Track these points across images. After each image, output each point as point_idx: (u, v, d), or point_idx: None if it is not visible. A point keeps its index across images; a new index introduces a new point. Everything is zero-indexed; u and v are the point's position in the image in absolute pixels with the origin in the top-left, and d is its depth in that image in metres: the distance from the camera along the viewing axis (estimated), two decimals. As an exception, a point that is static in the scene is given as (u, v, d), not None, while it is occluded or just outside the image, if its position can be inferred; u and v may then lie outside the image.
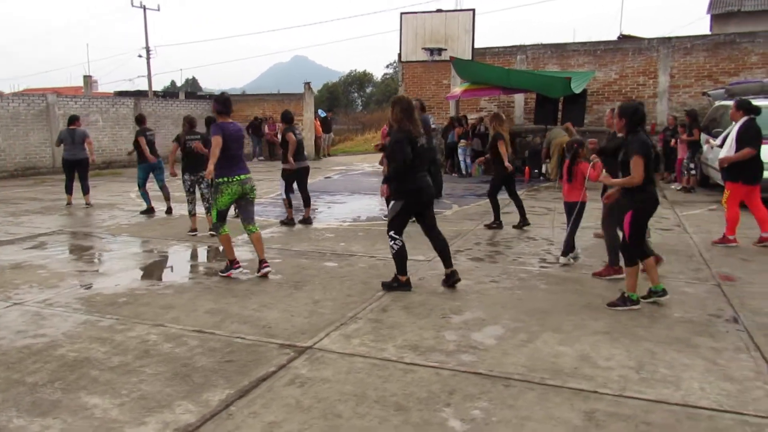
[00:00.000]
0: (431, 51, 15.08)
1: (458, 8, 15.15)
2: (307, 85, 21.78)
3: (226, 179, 5.76)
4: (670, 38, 15.93)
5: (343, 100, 68.98)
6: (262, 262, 5.91)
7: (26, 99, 16.70)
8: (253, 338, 4.25)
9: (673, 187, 12.74)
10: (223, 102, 6.01)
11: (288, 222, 8.82)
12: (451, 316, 4.71)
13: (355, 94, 72.05)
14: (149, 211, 9.86)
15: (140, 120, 10.40)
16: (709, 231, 7.98)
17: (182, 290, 5.52)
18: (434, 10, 15.27)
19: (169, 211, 9.76)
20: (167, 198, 9.89)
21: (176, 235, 8.10)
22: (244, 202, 6.01)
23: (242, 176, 5.84)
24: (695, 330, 4.37)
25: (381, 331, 4.37)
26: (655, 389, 3.42)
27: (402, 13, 15.46)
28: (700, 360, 3.83)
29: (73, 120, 10.97)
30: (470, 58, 14.90)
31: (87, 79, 27.36)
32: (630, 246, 4.84)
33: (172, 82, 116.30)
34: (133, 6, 33.90)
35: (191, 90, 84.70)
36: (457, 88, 16.18)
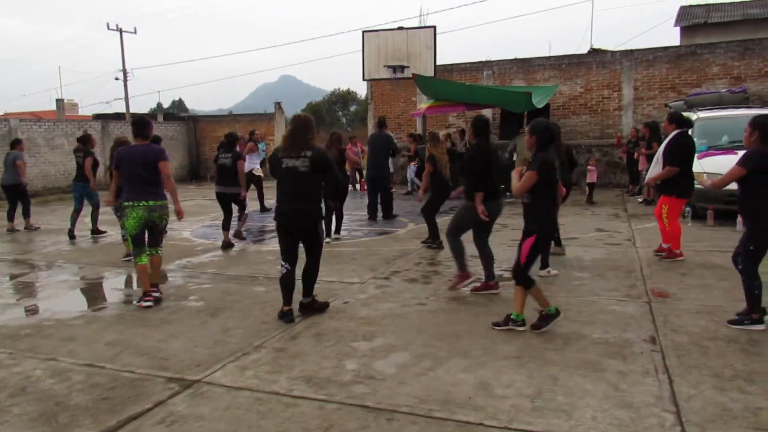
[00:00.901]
0: (394, 69, 15.01)
1: (419, 26, 15.10)
2: (278, 104, 21.69)
3: (131, 203, 5.56)
4: (632, 51, 15.98)
5: (327, 118, 69.01)
6: (145, 294, 5.69)
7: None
8: (142, 372, 4.03)
9: (638, 200, 12.66)
10: (136, 124, 5.81)
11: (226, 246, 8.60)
12: (359, 343, 4.51)
13: (339, 113, 72.11)
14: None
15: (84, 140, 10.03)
16: (657, 245, 7.84)
17: (93, 320, 5.30)
18: (396, 27, 15.22)
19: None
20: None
21: (111, 261, 7.87)
22: (154, 229, 5.78)
23: (149, 202, 5.58)
24: (608, 352, 4.20)
25: (280, 361, 4.16)
26: (545, 419, 3.23)
27: (364, 32, 15.40)
28: (603, 385, 3.65)
29: (14, 144, 10.74)
30: (433, 74, 14.83)
31: (59, 102, 27.00)
32: (525, 270, 4.63)
33: (159, 105, 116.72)
34: (109, 29, 33.84)
35: (176, 112, 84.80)
36: (423, 104, 16.11)
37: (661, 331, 4.59)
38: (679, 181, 7.05)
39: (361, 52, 15.40)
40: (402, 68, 15.01)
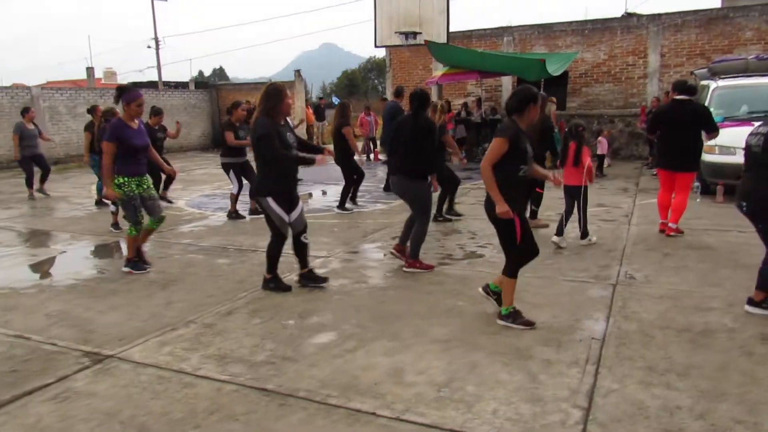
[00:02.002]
0: (406, 35, 14.55)
1: (432, -11, 14.52)
2: (297, 72, 21.47)
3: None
4: (660, 15, 15.08)
5: (362, 87, 68.44)
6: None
7: (10, 92, 16.81)
8: (63, 345, 4.00)
9: (653, 172, 12.08)
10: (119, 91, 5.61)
11: (233, 215, 8.56)
12: (292, 321, 4.38)
13: (375, 81, 71.38)
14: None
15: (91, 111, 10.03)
16: (654, 222, 7.42)
17: (44, 290, 5.32)
18: (409, -8, 14.70)
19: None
20: None
21: (96, 230, 7.92)
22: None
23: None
24: (545, 338, 3.95)
25: (203, 338, 4.07)
26: (441, 411, 3.04)
27: (376, -4, 14.94)
28: (521, 375, 3.42)
29: (23, 113, 10.90)
30: (445, 41, 14.33)
31: (89, 70, 27.55)
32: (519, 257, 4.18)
33: (200, 72, 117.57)
34: (140, -4, 34.03)
35: (216, 80, 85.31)
36: (437, 72, 15.65)
37: (613, 317, 4.31)
38: (660, 149, 6.77)
39: (373, 18, 14.98)
40: (414, 34, 14.54)
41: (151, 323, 4.38)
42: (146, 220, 5.72)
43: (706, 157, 9.11)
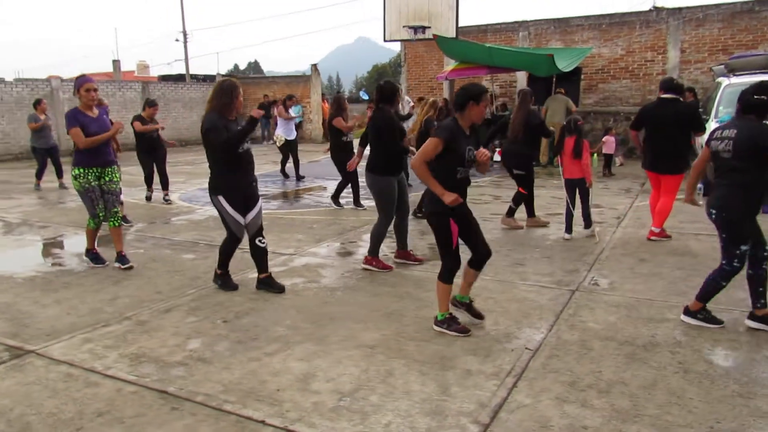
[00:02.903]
0: (414, 29, 14.35)
1: (442, -17, 14.26)
2: (314, 66, 21.42)
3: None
4: (680, 8, 14.49)
5: (392, 80, 68.11)
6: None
7: (29, 84, 17.19)
8: (-9, 339, 3.99)
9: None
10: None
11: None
12: (227, 321, 4.29)
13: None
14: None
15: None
16: (645, 225, 7.11)
17: (3, 281, 5.34)
18: (418, -15, 14.48)
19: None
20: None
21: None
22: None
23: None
24: (477, 347, 3.77)
25: (129, 336, 4.01)
26: (334, 422, 2.90)
27: (385, -10, 14.77)
28: (433, 386, 3.26)
29: (35, 104, 11.10)
30: (455, 35, 14.08)
31: (116, 63, 28.07)
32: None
33: (236, 66, 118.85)
34: (169, -10, 34.47)
35: (251, 73, 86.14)
36: (448, 67, 15.41)
37: (558, 326, 4.10)
38: (645, 150, 6.50)
39: (382, 12, 14.82)
40: (423, 29, 14.34)
41: (87, 319, 4.35)
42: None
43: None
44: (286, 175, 12.07)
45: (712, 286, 3.91)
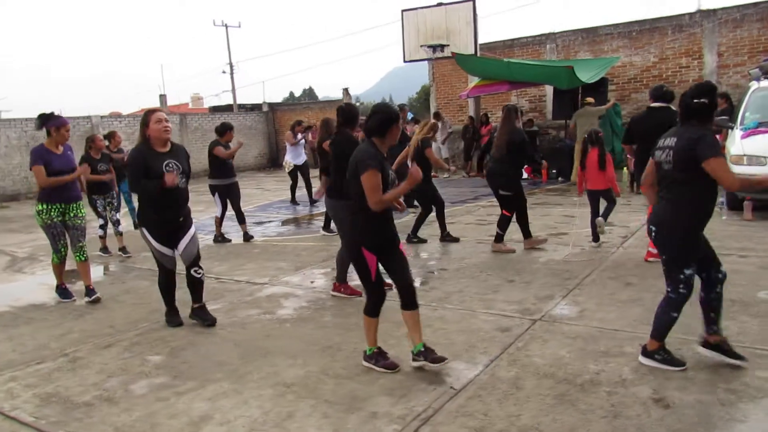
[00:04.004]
0: (433, 48, 14.16)
1: (458, 0, 14.00)
2: (345, 90, 21.54)
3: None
4: (715, 10, 13.69)
5: (442, 100, 67.96)
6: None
7: (71, 121, 17.96)
8: (-75, 377, 4.02)
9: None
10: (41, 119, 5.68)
11: (219, 239, 8.53)
12: (157, 357, 4.17)
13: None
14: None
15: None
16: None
17: (-26, 317, 5.44)
18: (435, 4, 14.30)
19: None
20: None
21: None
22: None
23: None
24: (398, 386, 3.48)
25: (55, 374, 3.94)
26: (202, 473, 2.70)
27: (403, 10, 14.68)
28: (327, 428, 3.00)
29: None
30: (473, 51, 13.80)
31: (162, 98, 29.19)
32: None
33: (291, 93, 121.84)
34: (215, 26, 35.72)
35: (305, 99, 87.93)
36: (471, 84, 15.12)
37: (498, 361, 3.75)
38: (636, 163, 6.09)
39: (401, 33, 14.73)
40: (441, 47, 14.13)
41: (28, 355, 4.32)
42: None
43: (734, 168, 8.03)
44: (295, 202, 12.01)
45: (664, 320, 3.47)
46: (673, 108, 6.17)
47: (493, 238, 6.85)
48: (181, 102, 54.14)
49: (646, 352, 3.51)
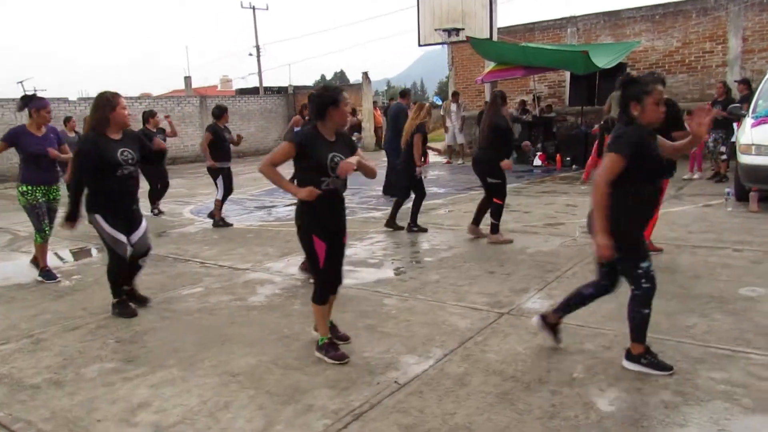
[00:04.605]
0: (448, 32, 13.91)
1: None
2: (365, 74, 21.38)
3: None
4: (741, -7, 13.11)
5: (471, 84, 67.07)
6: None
7: (85, 103, 18.29)
8: None
9: (694, 176, 10.61)
10: (24, 100, 5.67)
11: (221, 223, 8.53)
12: (116, 343, 4.18)
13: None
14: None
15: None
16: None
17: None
18: (450, -14, 14.03)
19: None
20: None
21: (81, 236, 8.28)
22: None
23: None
24: (344, 378, 3.42)
25: (14, 355, 3.97)
26: (122, 461, 2.69)
27: (418, -7, 14.43)
28: (259, 423, 2.96)
29: (65, 121, 11.63)
30: (489, 35, 13.51)
31: (187, 80, 29.42)
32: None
33: (322, 76, 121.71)
34: (242, 7, 35.77)
35: (337, 82, 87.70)
36: (486, 69, 14.82)
37: (452, 355, 3.66)
38: None
39: (416, 16, 14.50)
40: (457, 31, 13.86)
41: (-4, 336, 4.39)
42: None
43: (742, 158, 7.75)
44: None
45: (638, 319, 3.32)
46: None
47: (489, 229, 6.68)
48: (209, 84, 54.76)
49: (630, 356, 3.34)
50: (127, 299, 4.74)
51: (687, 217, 7.41)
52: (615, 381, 3.20)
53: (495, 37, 13.93)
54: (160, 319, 4.62)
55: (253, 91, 29.27)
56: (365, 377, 3.43)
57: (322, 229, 3.57)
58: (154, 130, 9.35)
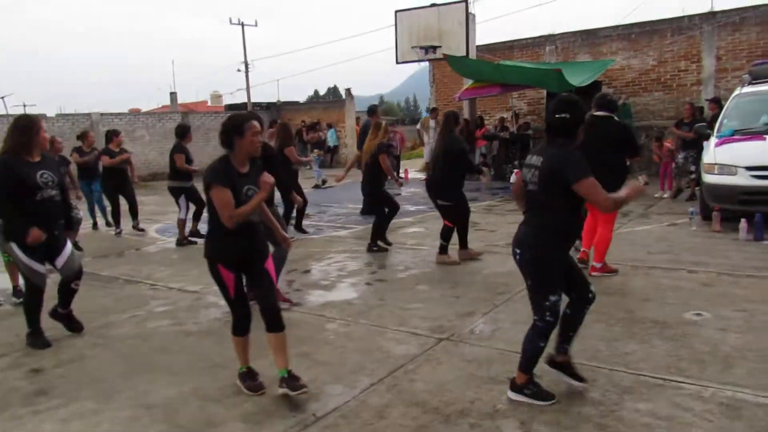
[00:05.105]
0: (425, 49, 13.92)
1: (451, 1, 13.69)
2: (348, 91, 21.40)
3: None
4: (714, 13, 13.20)
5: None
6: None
7: (70, 118, 18.20)
8: None
9: (664, 195, 10.60)
10: None
11: (184, 242, 8.40)
12: (34, 371, 4.04)
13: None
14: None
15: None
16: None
17: None
18: (428, 5, 14.05)
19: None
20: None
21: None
22: None
23: None
24: (258, 411, 3.29)
25: (-71, 385, 3.84)
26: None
27: (396, 11, 14.45)
28: (158, 461, 2.83)
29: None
30: (465, 53, 13.52)
31: (173, 95, 29.42)
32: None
33: (315, 92, 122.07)
34: (231, 24, 35.84)
35: (330, 98, 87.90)
36: (465, 86, 14.83)
37: (379, 385, 3.54)
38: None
39: (394, 34, 14.52)
40: (434, 48, 13.88)
41: None
42: None
43: (706, 178, 7.70)
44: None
45: (530, 351, 3.20)
46: (617, 119, 5.89)
47: (437, 251, 6.57)
48: (199, 100, 54.77)
49: (514, 387, 3.24)
50: (40, 331, 4.48)
51: (649, 237, 7.33)
52: (537, 414, 3.08)
53: (473, 55, 13.96)
54: (90, 346, 4.47)
55: (242, 107, 29.26)
56: (284, 410, 3.29)
57: (227, 258, 3.42)
58: (117, 150, 9.21)
